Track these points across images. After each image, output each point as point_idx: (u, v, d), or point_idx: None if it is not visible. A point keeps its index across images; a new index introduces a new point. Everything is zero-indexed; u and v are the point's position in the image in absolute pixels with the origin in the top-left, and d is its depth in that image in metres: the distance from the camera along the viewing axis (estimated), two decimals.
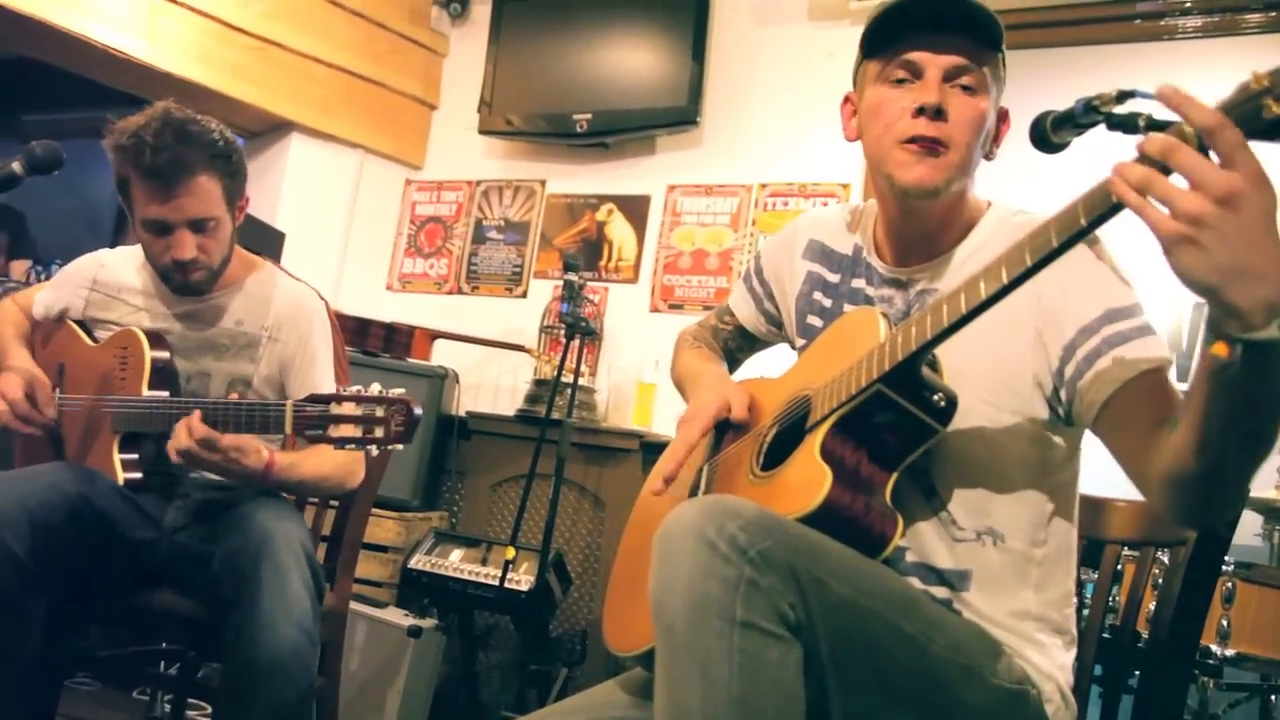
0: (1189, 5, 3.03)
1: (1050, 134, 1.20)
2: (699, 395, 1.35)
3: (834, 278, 1.34)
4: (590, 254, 3.71)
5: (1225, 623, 2.21)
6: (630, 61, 3.64)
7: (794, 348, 1.42)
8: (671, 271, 3.59)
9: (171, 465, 1.70)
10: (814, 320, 1.35)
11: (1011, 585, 1.16)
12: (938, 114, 1.13)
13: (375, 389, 1.55)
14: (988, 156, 1.21)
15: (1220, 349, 0.84)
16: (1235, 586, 2.22)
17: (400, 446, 1.54)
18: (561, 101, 3.70)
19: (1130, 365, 1.06)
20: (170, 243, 1.74)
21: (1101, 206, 0.88)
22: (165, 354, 1.81)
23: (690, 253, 3.57)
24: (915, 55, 1.16)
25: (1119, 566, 2.12)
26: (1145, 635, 1.44)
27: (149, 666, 2.56)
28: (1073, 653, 1.20)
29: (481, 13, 4.01)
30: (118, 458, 1.74)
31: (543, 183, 3.90)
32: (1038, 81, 3.29)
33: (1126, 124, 1.10)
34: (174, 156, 1.67)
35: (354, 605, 2.66)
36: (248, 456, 1.63)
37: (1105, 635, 1.87)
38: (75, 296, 1.95)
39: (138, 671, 2.54)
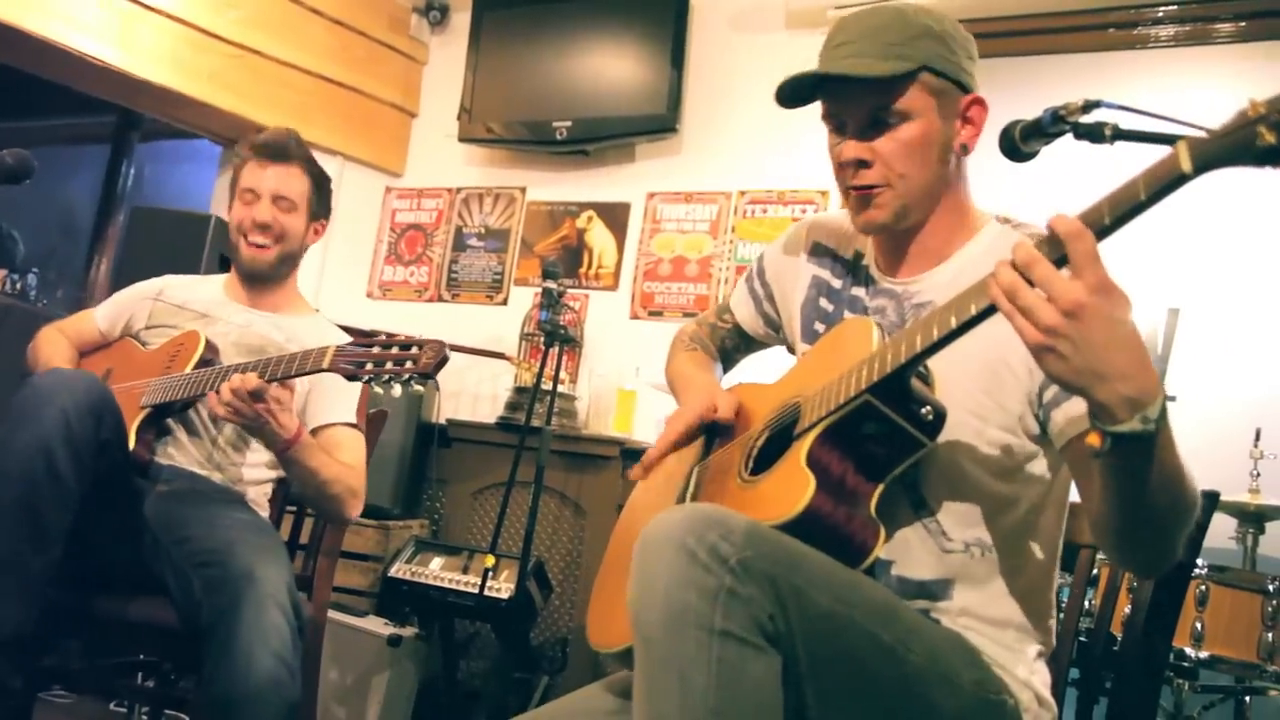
0: (1161, 15, 3.06)
1: (1019, 143, 1.21)
2: (687, 398, 1.37)
3: (838, 283, 1.35)
4: (570, 261, 3.71)
5: (1199, 625, 2.23)
6: (610, 69, 3.65)
7: (793, 352, 1.41)
8: (651, 278, 3.60)
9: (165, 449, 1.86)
10: (819, 327, 1.34)
11: (995, 594, 1.17)
12: (860, 164, 1.18)
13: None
14: (964, 153, 1.22)
15: (1093, 439, 0.90)
16: (1209, 589, 2.24)
17: (420, 388, 1.66)
18: (541, 109, 3.70)
19: None
20: (254, 208, 2.00)
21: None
22: (215, 355, 1.94)
23: (670, 260, 3.58)
24: (833, 107, 1.21)
25: (1094, 570, 2.15)
26: (1120, 638, 1.45)
27: (125, 678, 2.53)
28: (1047, 645, 1.21)
29: (461, 20, 4.01)
30: (135, 430, 1.83)
31: (523, 190, 3.90)
32: (1013, 90, 3.31)
33: (1093, 133, 1.11)
34: (280, 142, 2.04)
35: (333, 614, 2.65)
36: (285, 412, 1.74)
37: (1081, 639, 1.89)
38: (140, 307, 2.09)
39: (114, 683, 2.52)
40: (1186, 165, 0.82)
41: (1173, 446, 0.93)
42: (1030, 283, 0.88)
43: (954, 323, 0.98)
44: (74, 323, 2.16)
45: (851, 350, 1.15)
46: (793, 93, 1.21)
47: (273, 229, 2.00)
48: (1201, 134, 0.83)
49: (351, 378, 1.66)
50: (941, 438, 1.09)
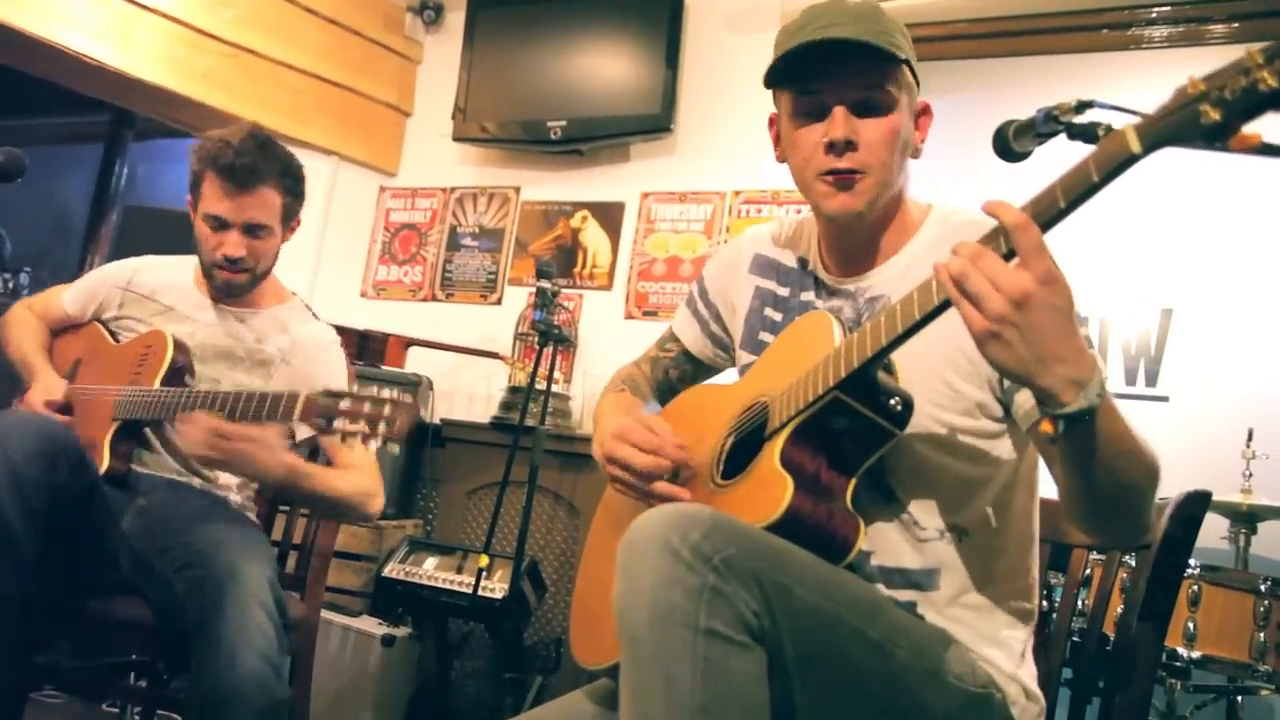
0: (1155, 15, 3.07)
1: (1012, 143, 1.21)
2: (606, 426, 1.33)
3: (783, 291, 1.35)
4: (565, 261, 3.71)
5: (1191, 625, 2.23)
6: (604, 69, 3.65)
7: (736, 366, 1.41)
8: (646, 278, 3.60)
9: (139, 457, 1.80)
10: (766, 336, 1.34)
11: (977, 578, 1.18)
12: (848, 146, 1.17)
13: (386, 393, 1.61)
14: (915, 155, 1.24)
15: (1047, 426, 0.93)
16: (1201, 589, 2.24)
17: (395, 449, 1.58)
18: (536, 108, 3.70)
19: None
20: (224, 239, 1.89)
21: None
22: (185, 358, 1.89)
23: (664, 259, 3.58)
24: (820, 89, 1.19)
25: (1086, 570, 2.15)
26: (1112, 638, 1.45)
27: (117, 679, 2.53)
28: (1031, 626, 1.22)
29: (456, 19, 4.00)
30: (108, 444, 1.80)
31: (517, 189, 3.90)
32: (1007, 90, 3.33)
33: (1086, 133, 1.11)
34: (251, 162, 1.84)
35: (327, 614, 2.65)
36: (264, 450, 1.67)
37: (1074, 639, 1.89)
38: (111, 295, 2.04)
39: (106, 684, 2.51)
40: (1136, 146, 0.84)
41: (1119, 417, 0.95)
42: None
43: (918, 314, 0.99)
44: (43, 300, 2.11)
45: (813, 347, 1.15)
46: (786, 68, 1.20)
47: (246, 260, 1.91)
48: (1140, 117, 0.84)
49: (321, 431, 1.61)
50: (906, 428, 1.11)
